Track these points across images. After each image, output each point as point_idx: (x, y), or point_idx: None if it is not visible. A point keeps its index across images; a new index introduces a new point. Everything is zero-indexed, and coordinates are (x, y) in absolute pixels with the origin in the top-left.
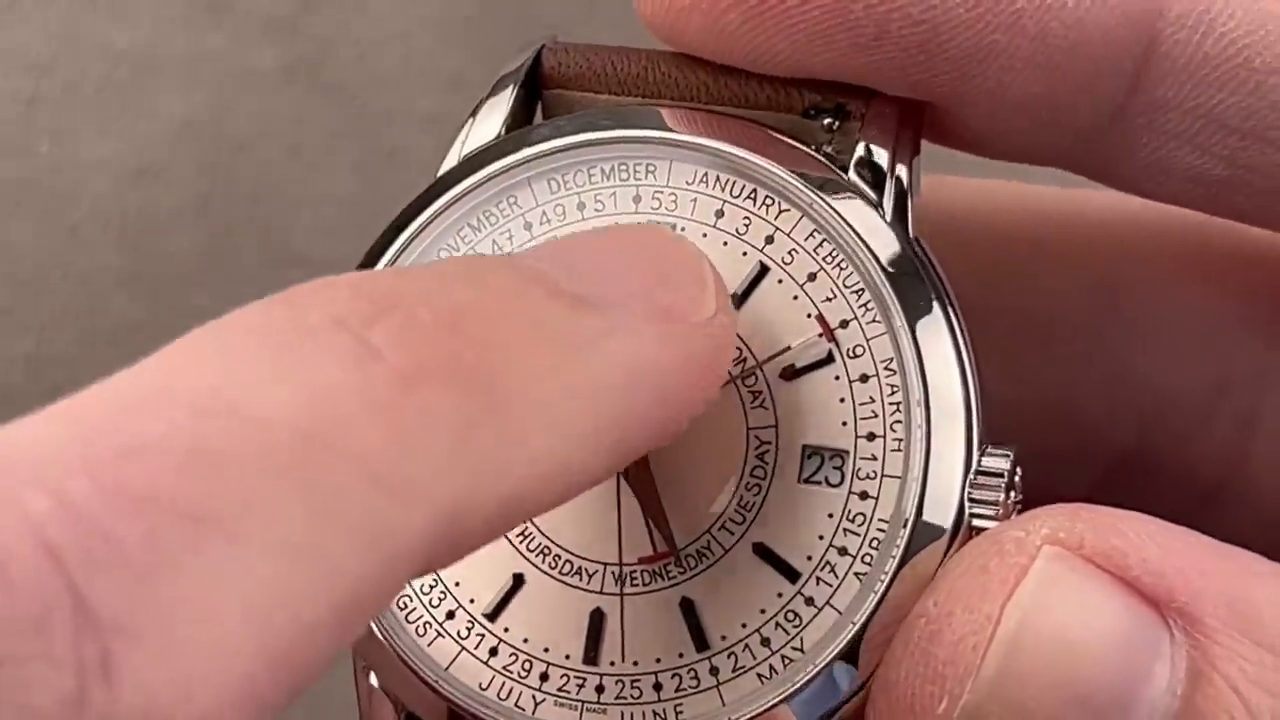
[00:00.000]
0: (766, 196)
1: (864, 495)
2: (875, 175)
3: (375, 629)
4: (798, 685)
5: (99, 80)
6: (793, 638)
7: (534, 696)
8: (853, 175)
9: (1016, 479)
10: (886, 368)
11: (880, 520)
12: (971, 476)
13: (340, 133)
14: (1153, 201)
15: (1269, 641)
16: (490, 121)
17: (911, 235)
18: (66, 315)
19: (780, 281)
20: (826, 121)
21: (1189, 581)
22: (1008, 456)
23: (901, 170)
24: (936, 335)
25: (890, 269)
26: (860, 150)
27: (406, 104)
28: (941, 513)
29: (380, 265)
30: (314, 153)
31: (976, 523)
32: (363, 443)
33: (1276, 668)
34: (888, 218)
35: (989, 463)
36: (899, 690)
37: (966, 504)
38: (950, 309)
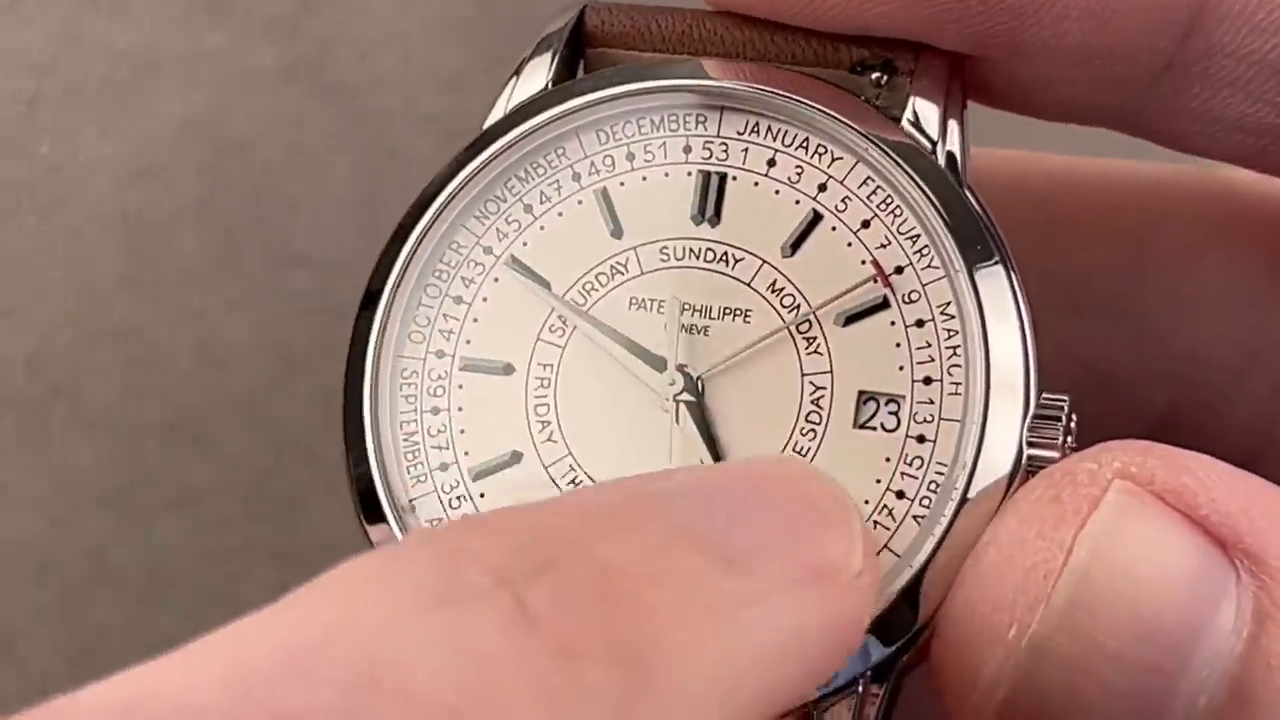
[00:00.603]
0: (819, 145)
1: (921, 439)
2: (926, 126)
3: None
4: None
5: (100, 80)
6: None
7: None
8: (905, 125)
9: (1072, 424)
10: (943, 312)
11: (939, 463)
12: (1029, 419)
13: (340, 133)
14: (1187, 167)
15: None
16: (534, 79)
17: (966, 183)
18: (67, 316)
19: (834, 229)
20: (874, 76)
21: (1255, 523)
22: (1064, 402)
23: (953, 122)
24: (995, 281)
25: (947, 216)
26: (911, 104)
27: (407, 104)
28: (1001, 455)
29: (425, 218)
30: (314, 153)
31: (1034, 465)
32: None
33: None
34: (942, 164)
35: (1046, 407)
36: (967, 618)
37: (1024, 447)
38: (1006, 256)
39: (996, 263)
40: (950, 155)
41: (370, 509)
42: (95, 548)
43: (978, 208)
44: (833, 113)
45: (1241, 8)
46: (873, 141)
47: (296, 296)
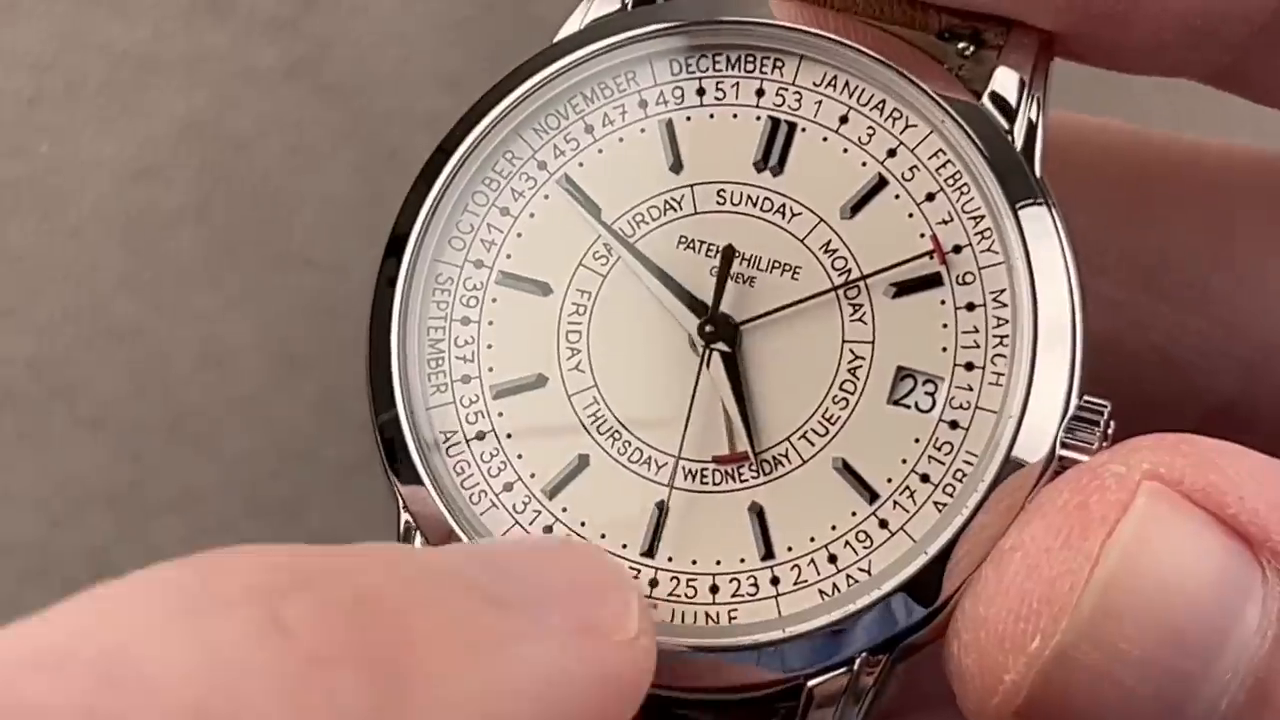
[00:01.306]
0: (895, 109)
1: (954, 425)
2: (1007, 105)
3: (429, 490)
4: (859, 608)
5: (100, 80)
6: (861, 559)
7: None
8: (986, 102)
9: (1110, 429)
10: (996, 299)
11: (968, 453)
12: (1068, 421)
13: (341, 133)
14: (1272, 152)
15: None
16: None
17: (1039, 173)
18: (67, 316)
19: (897, 197)
20: (960, 46)
21: None
22: (1105, 407)
23: (1034, 102)
24: (1054, 276)
25: (1015, 202)
26: (995, 79)
27: (407, 104)
28: (1033, 453)
29: (483, 123)
30: (314, 153)
31: (1065, 466)
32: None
33: None
34: (1018, 148)
35: (1087, 410)
36: (989, 625)
37: (1058, 449)
38: (1070, 251)
39: (1059, 257)
40: (1028, 135)
41: (384, 404)
42: (96, 548)
43: (1048, 196)
44: (914, 78)
45: None
46: (950, 114)
47: (297, 296)
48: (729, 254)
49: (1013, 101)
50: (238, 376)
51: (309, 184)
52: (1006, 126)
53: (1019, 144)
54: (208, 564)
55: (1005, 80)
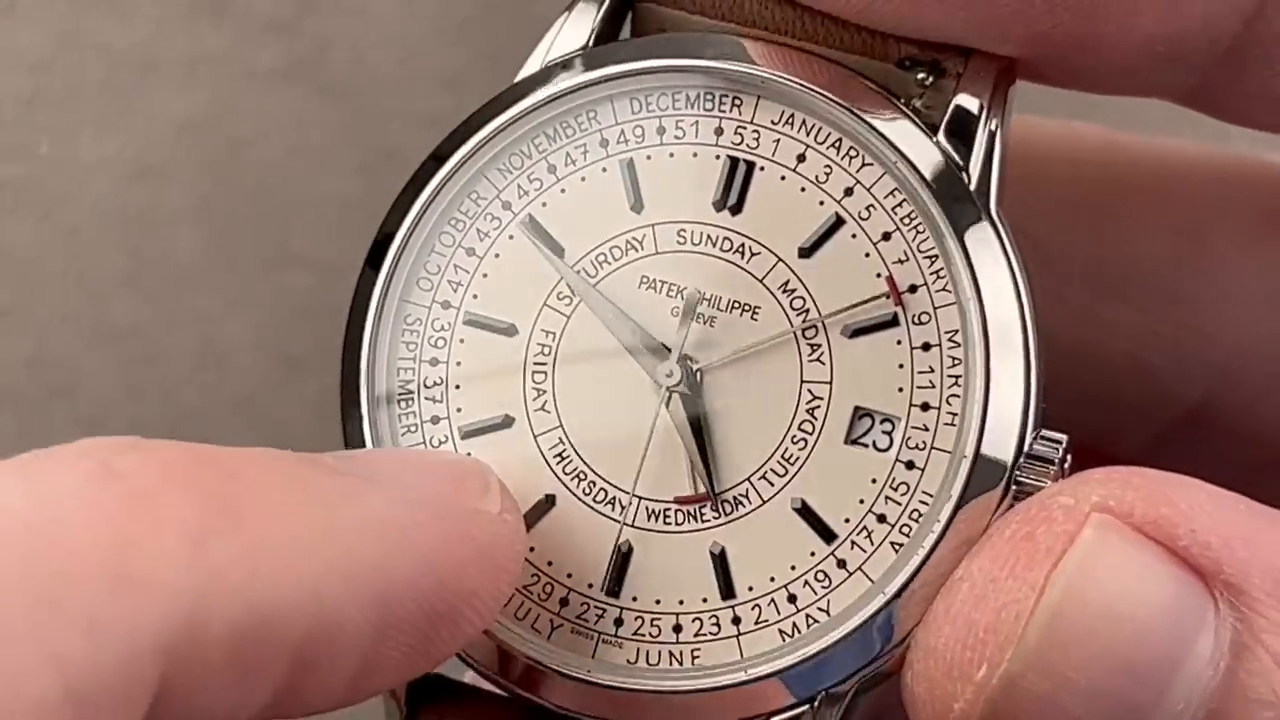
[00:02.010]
0: (851, 148)
1: (910, 465)
2: (966, 136)
3: None
4: (818, 650)
5: (99, 80)
6: (820, 598)
7: (551, 620)
8: (942, 138)
9: (1066, 465)
10: (951, 339)
11: (924, 493)
12: (1022, 461)
13: (340, 133)
14: (1240, 156)
15: None
16: (580, 27)
17: (995, 209)
18: (67, 315)
19: (854, 236)
20: (920, 76)
21: (1236, 553)
22: (1061, 442)
23: (992, 129)
24: (1008, 315)
25: (969, 242)
26: (953, 109)
27: (406, 104)
28: (989, 491)
29: (449, 164)
30: (314, 153)
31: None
32: (91, 538)
33: None
34: (973, 185)
35: (1041, 448)
36: (938, 654)
37: (1013, 485)
38: (1025, 290)
39: (1013, 296)
40: (984, 167)
41: (356, 444)
42: None
43: (1004, 233)
44: (870, 120)
45: None
46: (903, 155)
47: (296, 296)
48: (693, 301)
49: (971, 130)
50: (237, 377)
51: (308, 184)
52: (960, 161)
53: (976, 173)
54: (55, 449)
55: (963, 109)
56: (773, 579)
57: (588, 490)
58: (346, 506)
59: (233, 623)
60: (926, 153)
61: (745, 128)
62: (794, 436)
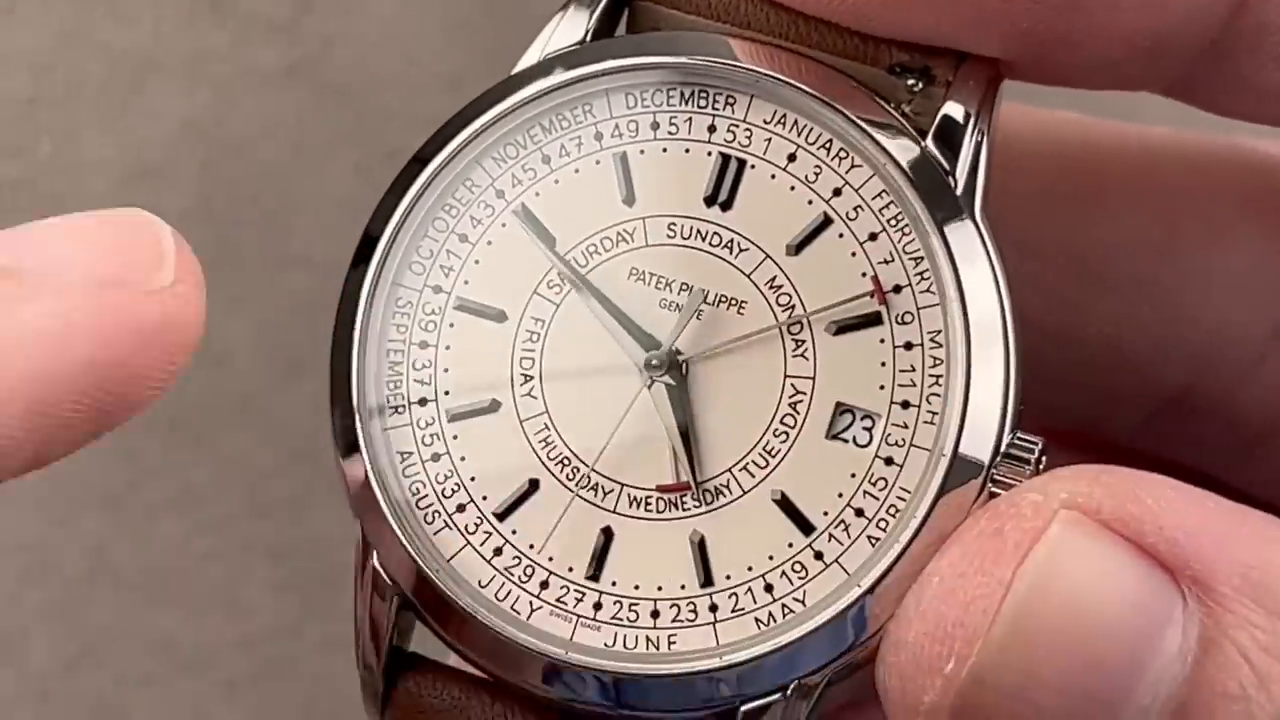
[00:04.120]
0: (841, 149)
1: (889, 461)
2: (953, 143)
3: (385, 510)
4: (793, 639)
5: (100, 80)
6: (796, 589)
7: (531, 603)
8: (929, 143)
9: (1042, 465)
10: (933, 340)
11: (902, 489)
12: (999, 460)
13: (341, 133)
14: (1220, 141)
15: None
16: (576, 23)
17: (979, 214)
18: None
19: (841, 236)
20: (910, 82)
21: (1204, 549)
22: (1036, 444)
23: (979, 135)
24: (989, 317)
25: (953, 244)
26: (942, 116)
27: (407, 105)
28: (965, 489)
29: (444, 152)
30: (315, 153)
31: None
32: None
33: None
34: (959, 189)
35: (1017, 449)
36: (908, 648)
37: (989, 485)
38: (1006, 292)
39: (994, 299)
40: (970, 173)
41: (345, 420)
42: (95, 548)
43: (988, 238)
44: (860, 123)
45: None
46: (891, 156)
47: (297, 296)
48: (696, 300)
49: (958, 136)
50: (237, 376)
51: (309, 184)
52: (947, 166)
53: (962, 178)
54: None
55: (951, 116)
56: (750, 568)
57: (571, 476)
58: (4, 319)
59: None
60: (914, 157)
61: (738, 126)
62: (776, 430)
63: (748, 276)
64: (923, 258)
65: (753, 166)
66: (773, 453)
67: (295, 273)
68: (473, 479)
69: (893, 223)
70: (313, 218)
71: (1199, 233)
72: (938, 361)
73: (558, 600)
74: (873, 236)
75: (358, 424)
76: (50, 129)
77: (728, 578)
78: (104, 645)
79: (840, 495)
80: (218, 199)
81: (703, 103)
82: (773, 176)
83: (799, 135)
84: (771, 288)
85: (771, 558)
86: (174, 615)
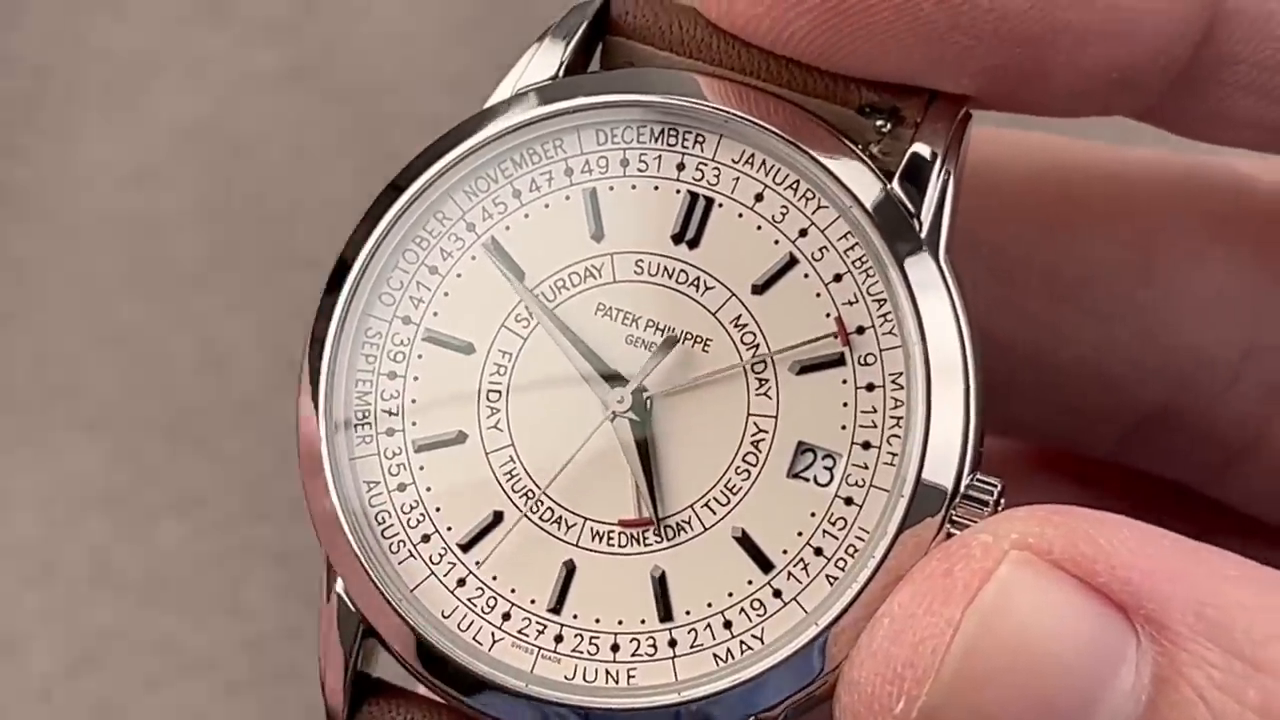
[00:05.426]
0: (808, 190)
1: (849, 501)
2: (920, 183)
3: (349, 538)
4: (751, 676)
5: (101, 82)
6: (754, 626)
7: (493, 634)
8: (896, 185)
9: (1000, 508)
10: (894, 382)
11: (861, 529)
12: (957, 501)
13: (342, 135)
14: (1195, 162)
15: (1238, 648)
16: (551, 55)
17: (943, 254)
18: (67, 318)
19: (806, 276)
20: (879, 123)
21: (1158, 587)
22: (995, 486)
23: (944, 181)
24: (950, 360)
25: (916, 287)
26: (909, 156)
27: (408, 106)
28: (923, 530)
29: (416, 184)
30: (316, 155)
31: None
32: None
33: (1245, 674)
34: (924, 233)
35: (976, 490)
36: (860, 688)
37: (947, 526)
38: (968, 336)
39: (956, 342)
40: (936, 213)
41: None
42: (96, 549)
43: (951, 281)
44: (827, 164)
45: (1254, 17)
46: (856, 200)
47: (298, 298)
48: (670, 343)
49: (925, 177)
50: (238, 378)
51: (310, 186)
52: (913, 208)
53: (928, 220)
54: None
55: (919, 156)
56: (710, 604)
57: (535, 509)
58: None
59: None
60: (880, 198)
61: (706, 164)
62: (738, 467)
63: (713, 314)
64: (886, 299)
65: (720, 205)
66: (734, 490)
67: (296, 275)
68: (438, 509)
69: (858, 264)
70: (314, 220)
71: (1174, 255)
72: (899, 403)
73: (519, 632)
74: (837, 278)
75: (324, 453)
76: (50, 130)
77: (687, 613)
78: (105, 648)
79: (800, 534)
80: (219, 201)
81: (672, 141)
82: (740, 215)
83: (767, 175)
84: (737, 326)
85: (731, 594)
86: (175, 617)
